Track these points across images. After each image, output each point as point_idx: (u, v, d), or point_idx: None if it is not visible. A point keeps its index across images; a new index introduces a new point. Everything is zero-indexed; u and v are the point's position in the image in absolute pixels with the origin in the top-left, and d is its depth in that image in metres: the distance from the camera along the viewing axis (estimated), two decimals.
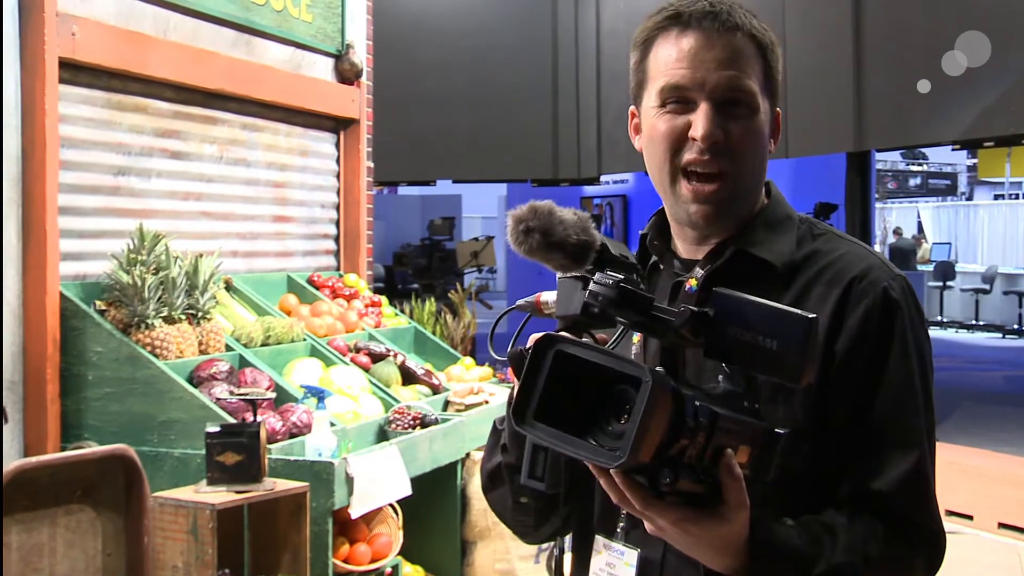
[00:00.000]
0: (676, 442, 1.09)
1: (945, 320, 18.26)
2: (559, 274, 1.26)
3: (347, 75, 5.10)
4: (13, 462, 2.74)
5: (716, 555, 1.21)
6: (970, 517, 3.64)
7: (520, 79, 11.12)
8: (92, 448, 3.01)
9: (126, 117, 3.90)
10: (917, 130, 8.31)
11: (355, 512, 3.32)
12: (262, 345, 3.86)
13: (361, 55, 5.21)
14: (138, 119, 3.95)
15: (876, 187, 17.76)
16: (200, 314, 3.66)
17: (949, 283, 18.43)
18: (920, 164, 32.44)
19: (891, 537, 1.31)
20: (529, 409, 1.13)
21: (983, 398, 10.70)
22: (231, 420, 3.24)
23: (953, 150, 9.49)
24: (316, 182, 5.05)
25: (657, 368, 1.08)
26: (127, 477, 2.87)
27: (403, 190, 21.00)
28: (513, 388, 1.24)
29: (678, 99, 1.38)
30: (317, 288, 4.67)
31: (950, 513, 3.57)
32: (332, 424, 3.46)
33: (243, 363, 3.67)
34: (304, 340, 4.07)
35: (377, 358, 4.22)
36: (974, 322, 17.86)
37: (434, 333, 5.16)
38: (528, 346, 1.16)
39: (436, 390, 4.24)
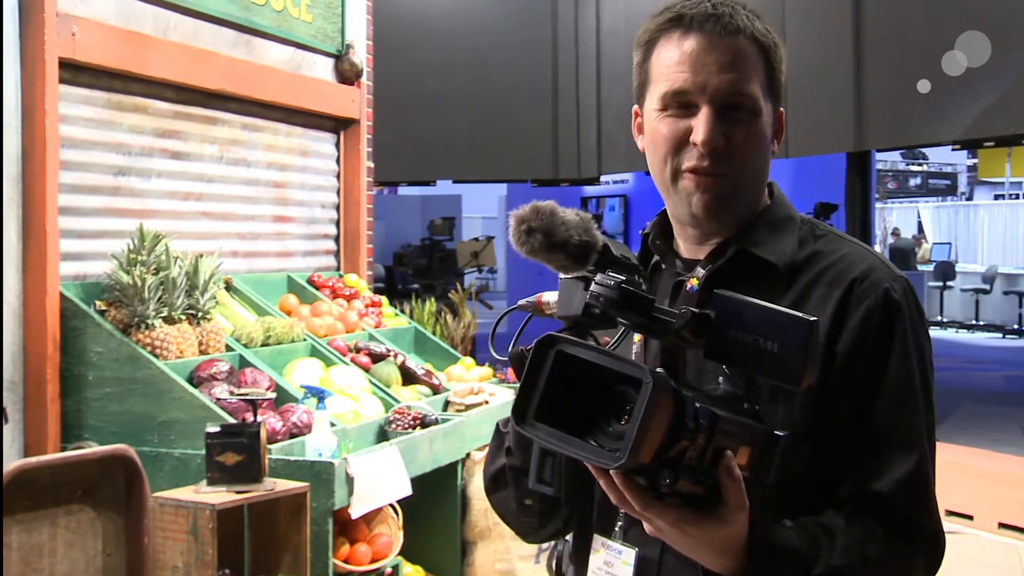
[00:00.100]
0: (676, 443, 1.09)
1: (945, 320, 18.25)
2: (561, 275, 1.26)
3: (347, 75, 5.10)
4: (13, 462, 2.74)
5: (715, 556, 1.21)
6: (970, 517, 3.64)
7: (520, 79, 11.12)
8: (92, 448, 3.00)
9: (126, 117, 3.90)
10: (917, 130, 8.31)
11: (355, 512, 3.32)
12: (262, 345, 3.86)
13: (361, 55, 5.21)
14: (138, 119, 3.95)
15: (876, 187, 17.76)
16: (200, 314, 3.66)
17: (949, 283, 18.43)
18: (920, 164, 32.45)
19: (891, 538, 1.31)
20: (530, 409, 1.13)
21: (983, 398, 10.70)
22: (231, 420, 3.24)
23: (953, 150, 9.49)
24: (316, 182, 5.05)
25: (657, 369, 1.08)
26: (127, 477, 2.87)
27: (403, 190, 21.00)
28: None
29: (679, 103, 1.37)
30: (317, 288, 4.67)
31: (950, 513, 3.57)
32: (332, 424, 3.46)
33: (243, 363, 3.67)
34: (304, 340, 4.07)
35: (377, 358, 4.22)
36: (974, 322, 17.86)
37: (434, 333, 5.16)
38: (530, 346, 1.16)
39: (436, 390, 4.24)
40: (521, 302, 1.45)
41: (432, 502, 3.99)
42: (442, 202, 20.59)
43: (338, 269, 5.14)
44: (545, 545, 4.03)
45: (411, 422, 3.74)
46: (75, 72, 3.63)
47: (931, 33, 7.75)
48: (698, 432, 1.11)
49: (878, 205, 23.97)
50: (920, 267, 20.08)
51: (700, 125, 1.35)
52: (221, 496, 2.99)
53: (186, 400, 3.32)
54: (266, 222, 4.70)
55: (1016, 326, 17.18)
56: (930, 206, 27.48)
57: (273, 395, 3.42)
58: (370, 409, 3.81)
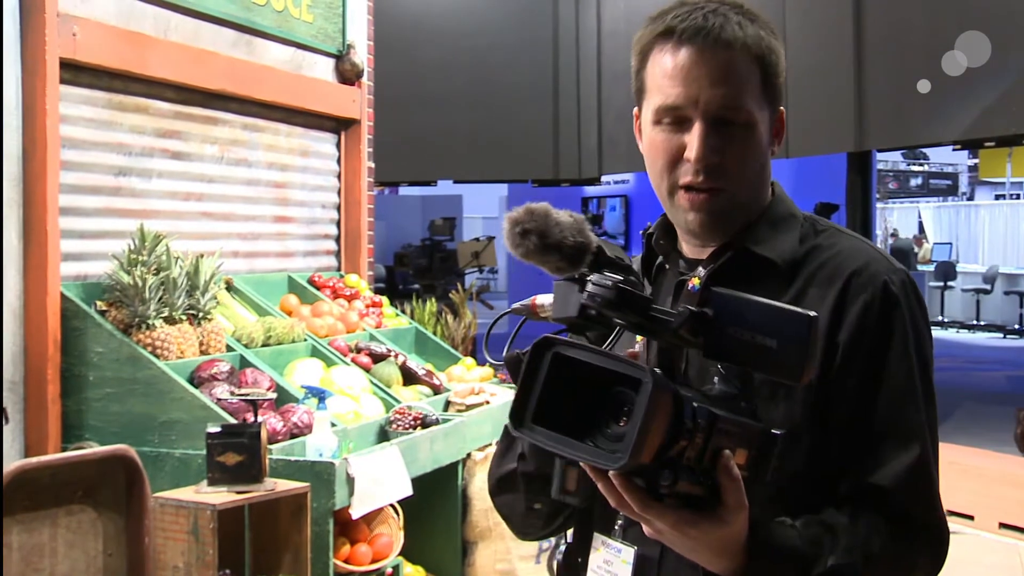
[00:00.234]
0: (675, 444, 1.09)
1: (946, 320, 18.26)
2: (555, 277, 1.26)
3: (348, 75, 5.10)
4: (14, 462, 2.74)
5: (715, 557, 1.20)
6: (971, 517, 3.64)
7: (521, 79, 11.12)
8: (93, 448, 3.01)
9: (127, 117, 3.90)
10: (917, 130, 8.32)
11: (356, 512, 3.32)
12: (263, 345, 3.86)
13: (362, 55, 5.21)
14: (139, 119, 3.95)
15: (877, 187, 17.76)
16: (201, 314, 3.66)
17: (950, 283, 18.44)
18: (921, 164, 32.45)
19: (894, 534, 1.30)
20: (527, 412, 1.13)
21: (984, 398, 10.70)
22: (232, 420, 3.24)
23: (954, 150, 9.50)
24: (317, 182, 5.05)
25: (655, 369, 1.08)
26: (128, 477, 2.87)
27: (404, 190, 21.00)
28: None
29: (673, 118, 1.37)
30: (318, 288, 4.67)
31: (951, 513, 3.57)
32: (333, 424, 3.46)
33: (244, 363, 3.67)
34: (305, 340, 4.07)
35: (378, 358, 4.22)
36: (975, 322, 17.86)
37: (435, 333, 5.16)
38: (525, 349, 1.16)
39: (437, 390, 4.24)
40: (515, 305, 1.44)
41: (433, 502, 3.99)
42: (443, 202, 20.60)
43: (339, 269, 5.14)
44: (545, 545, 4.03)
45: (412, 422, 3.74)
46: (76, 72, 3.63)
47: (931, 33, 7.75)
48: (696, 432, 1.10)
49: (879, 205, 23.97)
50: (921, 267, 20.11)
51: (693, 142, 1.35)
52: (222, 496, 2.99)
53: (187, 400, 3.33)
54: (267, 222, 4.70)
55: (1017, 326, 17.18)
56: (931, 206, 27.48)
57: (274, 395, 3.42)
58: (371, 409, 3.81)
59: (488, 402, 4.16)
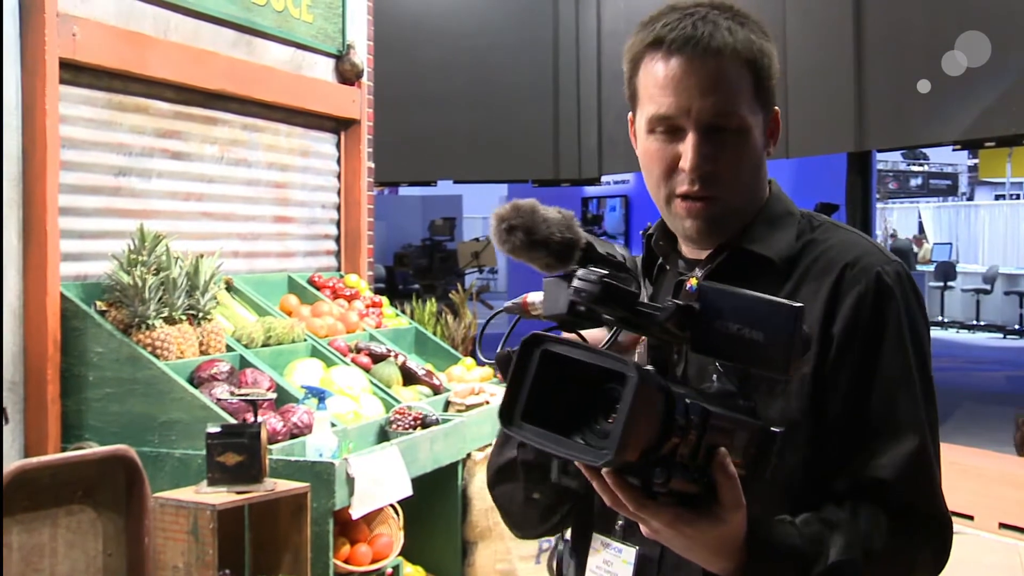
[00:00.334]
0: (666, 440, 1.08)
1: (946, 320, 18.26)
2: (545, 274, 1.25)
3: (348, 75, 5.10)
4: (14, 462, 2.74)
5: (712, 556, 1.20)
6: (971, 517, 3.64)
7: (521, 79, 11.13)
8: (93, 448, 3.01)
9: (127, 117, 3.90)
10: (917, 130, 8.32)
11: (356, 512, 3.32)
12: (263, 346, 3.86)
13: (362, 55, 5.21)
14: (139, 119, 3.95)
15: (877, 187, 17.76)
16: (201, 315, 3.66)
17: (950, 283, 18.45)
18: (921, 164, 32.46)
19: (895, 529, 1.30)
20: (516, 410, 1.12)
21: (984, 398, 10.70)
22: (232, 421, 3.24)
23: (954, 150, 9.50)
24: (317, 182, 5.05)
25: (647, 366, 1.07)
26: (128, 478, 2.87)
27: (404, 190, 21.00)
28: None
29: (666, 127, 1.37)
30: (318, 288, 4.67)
31: (951, 513, 3.56)
32: (333, 424, 3.46)
33: (244, 363, 3.67)
34: (305, 341, 4.07)
35: (378, 358, 4.22)
36: (975, 322, 17.86)
37: (435, 334, 5.16)
38: (515, 348, 1.15)
39: (437, 390, 4.24)
40: (507, 304, 1.43)
41: (433, 502, 3.99)
42: (443, 202, 20.60)
43: (339, 269, 5.14)
44: (545, 545, 4.03)
45: (412, 422, 3.74)
46: (75, 72, 3.63)
47: (931, 33, 7.75)
48: (689, 428, 1.09)
49: (879, 205, 23.97)
50: (921, 267, 20.11)
51: (687, 152, 1.35)
52: (222, 496, 2.99)
53: (187, 400, 3.33)
54: (267, 222, 4.70)
55: (1017, 326, 17.18)
56: (931, 206, 27.48)
57: (274, 395, 3.42)
58: (371, 409, 3.81)
59: (488, 402, 4.16)
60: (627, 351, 1.36)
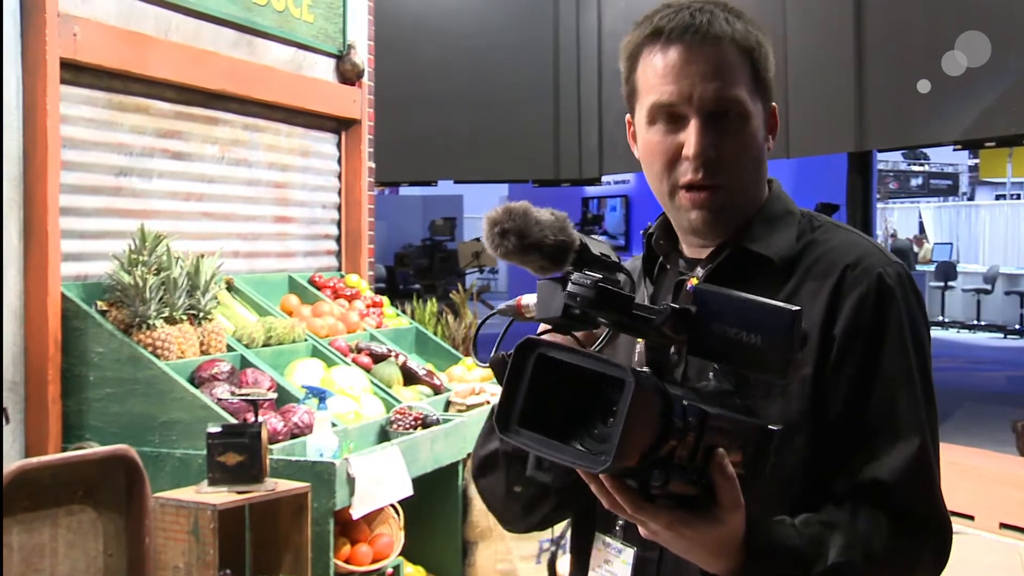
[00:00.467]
0: (664, 443, 1.07)
1: (947, 320, 18.26)
2: (539, 277, 1.24)
3: (348, 75, 5.10)
4: (14, 462, 2.74)
5: (711, 558, 1.19)
6: (971, 517, 3.64)
7: (521, 79, 11.13)
8: (93, 448, 3.01)
9: (127, 118, 3.90)
10: (918, 130, 8.32)
11: (356, 512, 3.32)
12: (263, 345, 3.86)
13: (362, 55, 5.21)
14: (139, 120, 3.95)
15: (877, 187, 17.76)
16: (201, 314, 3.66)
17: (951, 283, 18.45)
18: (921, 164, 32.45)
19: (895, 530, 1.29)
20: (513, 415, 1.11)
21: (984, 398, 10.70)
22: (232, 420, 3.24)
23: (954, 150, 9.50)
24: (317, 182, 5.05)
25: (643, 369, 1.06)
26: (128, 478, 2.87)
27: (404, 190, 21.00)
28: None
29: (668, 116, 1.37)
30: (318, 288, 4.67)
31: (951, 513, 3.56)
32: (333, 424, 3.46)
33: (244, 363, 3.67)
34: (305, 340, 4.08)
35: (378, 358, 4.22)
36: (976, 322, 17.86)
37: (435, 334, 5.16)
38: (509, 351, 1.14)
39: (437, 390, 4.24)
40: (500, 306, 1.42)
41: (433, 502, 3.99)
42: (443, 202, 20.60)
43: (339, 269, 5.14)
44: (546, 545, 4.03)
45: (412, 422, 3.74)
46: (76, 72, 3.63)
47: (931, 33, 7.75)
48: (687, 430, 1.08)
49: (879, 205, 23.96)
50: (921, 267, 20.11)
51: (690, 138, 1.35)
52: (222, 496, 2.99)
53: (187, 400, 3.33)
54: (267, 222, 4.70)
55: (1017, 326, 17.18)
56: (931, 206, 27.47)
57: (274, 395, 3.42)
58: (371, 409, 3.81)
59: (488, 402, 4.16)
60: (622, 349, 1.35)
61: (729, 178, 1.38)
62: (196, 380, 3.46)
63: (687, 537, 1.16)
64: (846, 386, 1.33)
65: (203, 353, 3.61)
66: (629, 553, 1.39)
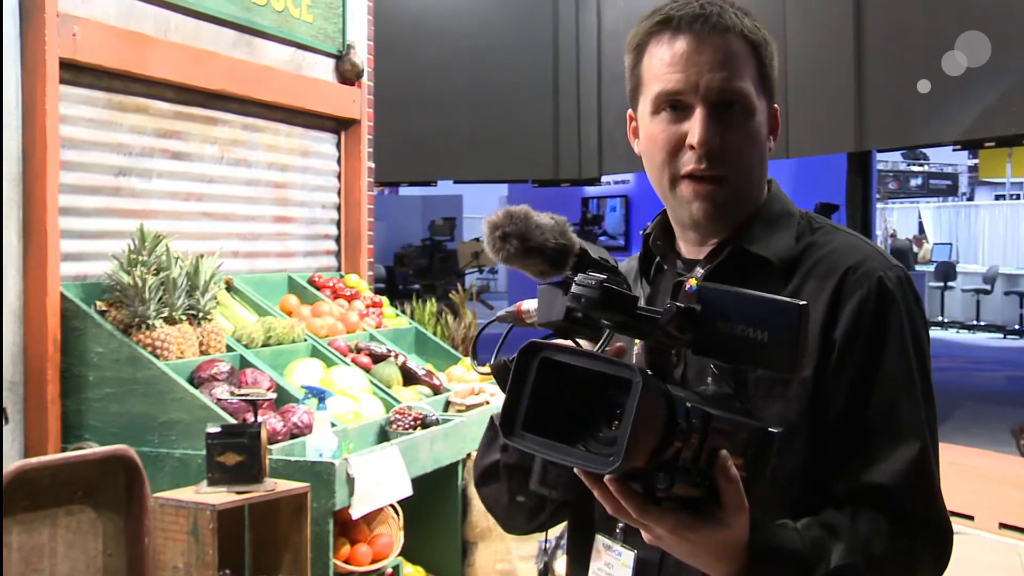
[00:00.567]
0: (670, 445, 1.07)
1: (946, 320, 18.26)
2: (539, 282, 1.23)
3: (348, 75, 5.10)
4: (14, 462, 2.74)
5: (715, 561, 1.19)
6: (971, 517, 3.64)
7: (521, 79, 11.13)
8: (93, 449, 3.00)
9: (127, 118, 3.90)
10: (917, 130, 8.31)
11: (356, 513, 3.32)
12: (263, 346, 3.86)
13: (362, 55, 5.21)
14: (139, 120, 3.95)
15: (877, 187, 17.76)
16: (201, 315, 3.66)
17: (950, 283, 18.45)
18: (921, 164, 32.46)
19: (895, 533, 1.29)
20: (517, 420, 1.11)
21: (984, 398, 10.70)
22: (232, 421, 3.24)
23: (954, 150, 9.50)
24: (317, 182, 5.05)
25: (646, 370, 1.06)
26: (128, 478, 2.87)
27: (404, 190, 21.00)
28: None
29: (673, 104, 1.37)
30: (318, 288, 4.67)
31: (951, 513, 3.56)
32: (333, 425, 3.46)
33: (244, 363, 3.67)
34: (305, 341, 4.07)
35: (378, 359, 4.22)
36: (975, 322, 17.87)
37: (435, 334, 5.16)
38: (512, 356, 1.14)
39: (437, 391, 4.24)
40: (500, 313, 1.42)
41: (433, 502, 3.99)
42: (443, 202, 20.60)
43: (339, 269, 5.14)
44: (545, 546, 4.03)
45: (412, 422, 3.74)
46: (76, 72, 3.63)
47: (931, 33, 7.75)
48: (691, 432, 1.08)
49: (879, 205, 23.97)
50: (921, 267, 20.11)
51: (695, 127, 1.35)
52: (222, 496, 2.99)
53: (187, 400, 3.33)
54: (267, 222, 4.70)
55: (1017, 326, 17.18)
56: (931, 206, 27.48)
57: (274, 395, 3.42)
58: (371, 409, 3.81)
59: (488, 402, 4.16)
60: (618, 356, 1.35)
61: (732, 170, 1.37)
62: (195, 380, 3.46)
63: (691, 541, 1.15)
64: (846, 388, 1.33)
65: (202, 353, 3.61)
66: (630, 556, 1.39)
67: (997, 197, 27.86)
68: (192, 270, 3.65)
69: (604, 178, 12.36)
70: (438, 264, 15.64)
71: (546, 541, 1.57)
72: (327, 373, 3.89)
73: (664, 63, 1.37)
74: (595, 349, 1.24)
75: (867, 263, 1.37)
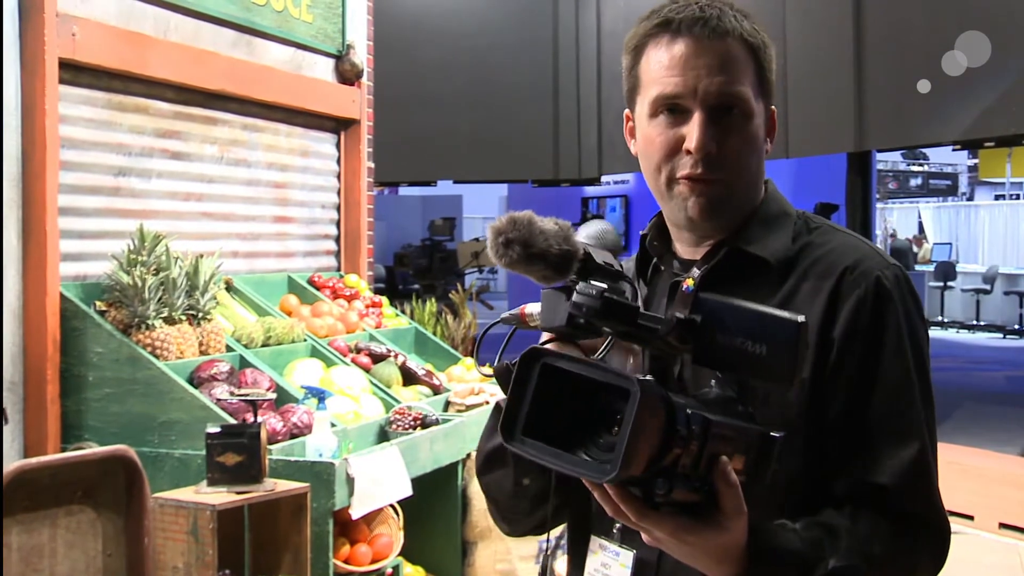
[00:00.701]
0: (669, 452, 1.07)
1: (946, 320, 18.26)
2: (543, 286, 1.23)
3: (347, 75, 5.10)
4: (13, 463, 2.74)
5: (714, 564, 1.19)
6: (971, 517, 3.64)
7: (520, 79, 11.12)
8: (92, 449, 3.00)
9: (126, 118, 3.90)
10: (917, 130, 8.31)
11: (356, 513, 3.32)
12: (263, 346, 3.86)
13: (361, 55, 5.21)
14: (138, 120, 3.95)
15: (877, 187, 17.76)
16: (200, 315, 3.66)
17: (950, 283, 18.45)
18: (921, 164, 32.46)
19: (895, 533, 1.29)
20: (518, 425, 1.11)
21: (984, 398, 10.70)
22: (232, 421, 3.24)
23: (954, 150, 9.50)
24: (317, 182, 5.05)
25: (647, 376, 1.06)
26: (127, 478, 2.87)
27: (404, 190, 21.01)
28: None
29: (671, 108, 1.37)
30: (318, 289, 4.67)
31: (951, 513, 3.56)
32: (333, 425, 3.46)
33: (244, 364, 3.67)
34: (305, 341, 4.07)
35: (378, 359, 4.22)
36: (975, 322, 17.87)
37: (435, 334, 5.16)
38: (514, 360, 1.14)
39: (437, 391, 4.24)
40: (504, 315, 1.42)
41: (433, 502, 3.99)
42: (443, 202, 20.61)
43: (339, 269, 5.14)
44: (545, 546, 4.03)
45: (412, 422, 3.74)
46: (75, 72, 3.63)
47: (931, 33, 7.75)
48: (691, 439, 1.08)
49: (879, 205, 23.97)
50: (921, 267, 20.11)
51: (693, 131, 1.34)
52: (221, 496, 2.99)
53: (186, 400, 3.32)
54: (266, 222, 4.70)
55: (1017, 326, 17.18)
56: (931, 206, 27.48)
57: (273, 395, 3.42)
58: (371, 409, 3.81)
59: (488, 402, 4.16)
60: (623, 355, 1.35)
61: (729, 174, 1.37)
62: (195, 380, 3.45)
63: (690, 544, 1.16)
64: (845, 389, 1.33)
65: (202, 353, 3.61)
66: (628, 556, 1.39)
67: (997, 197, 27.87)
68: (192, 270, 3.65)
69: (604, 178, 12.35)
70: (438, 264, 15.64)
71: (547, 541, 1.57)
72: (327, 373, 3.88)
73: (663, 66, 1.37)
74: (595, 357, 1.24)
75: (865, 263, 1.37)
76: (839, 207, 10.49)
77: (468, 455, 4.01)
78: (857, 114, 8.50)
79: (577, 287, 1.16)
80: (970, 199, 29.72)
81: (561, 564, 1.55)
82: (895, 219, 27.23)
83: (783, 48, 8.49)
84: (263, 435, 3.08)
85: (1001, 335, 17.18)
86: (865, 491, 1.31)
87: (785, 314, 1.14)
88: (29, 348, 3.41)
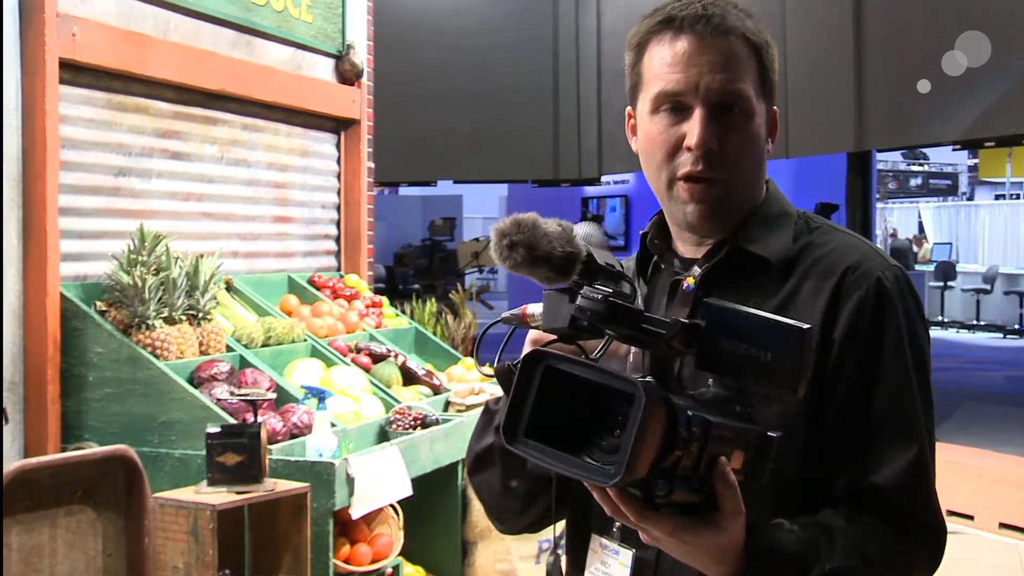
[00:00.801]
0: (670, 454, 1.08)
1: (946, 320, 18.27)
2: (545, 287, 1.23)
3: (347, 75, 5.10)
4: (14, 463, 2.74)
5: (712, 563, 1.20)
6: (971, 517, 3.64)
7: (520, 79, 11.12)
8: (93, 449, 3.00)
9: (127, 118, 3.90)
10: (917, 130, 8.31)
11: (356, 513, 3.32)
12: (263, 346, 3.86)
13: (361, 55, 5.21)
14: (139, 120, 3.95)
15: (877, 187, 17.76)
16: (201, 315, 3.66)
17: (950, 283, 18.45)
18: (921, 164, 32.47)
19: (891, 534, 1.30)
20: (520, 426, 1.12)
21: (984, 398, 10.70)
22: (232, 421, 3.24)
23: (954, 150, 9.50)
24: (317, 182, 5.05)
25: (648, 378, 1.07)
26: (128, 478, 2.87)
27: (404, 190, 21.01)
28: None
29: (673, 105, 1.37)
30: (318, 289, 4.67)
31: (951, 513, 3.56)
32: (333, 425, 3.46)
33: (244, 364, 3.67)
34: (305, 341, 4.07)
35: (378, 359, 4.22)
36: (975, 322, 17.87)
37: (435, 334, 5.16)
38: (516, 361, 1.15)
39: (437, 391, 4.24)
40: (505, 315, 1.42)
41: (433, 502, 3.99)
42: (443, 202, 20.61)
43: (339, 269, 5.14)
44: (545, 545, 4.03)
45: (412, 422, 3.74)
46: (75, 72, 3.63)
47: (931, 33, 7.75)
48: (691, 441, 1.09)
49: (879, 205, 23.97)
50: (921, 267, 20.11)
51: (694, 128, 1.35)
52: (221, 496, 2.99)
53: (186, 400, 3.33)
54: (266, 222, 4.70)
55: (1017, 326, 17.19)
56: (931, 206, 27.48)
57: (273, 395, 3.42)
58: (371, 409, 3.81)
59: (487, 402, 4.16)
60: (620, 357, 1.35)
61: (729, 173, 1.37)
62: (195, 380, 3.46)
63: (689, 543, 1.16)
64: (845, 389, 1.33)
65: (202, 353, 3.61)
66: (627, 555, 1.39)
67: (997, 197, 27.87)
68: (192, 270, 3.65)
69: (604, 178, 12.35)
70: (438, 264, 15.64)
71: (549, 540, 1.57)
72: (327, 373, 3.89)
73: (665, 63, 1.37)
74: (594, 355, 1.24)
75: (866, 263, 1.37)
76: (839, 207, 10.50)
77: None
78: (857, 114, 8.50)
79: (582, 291, 1.16)
80: (970, 199, 29.73)
81: (556, 569, 1.55)
82: (895, 219, 27.23)
83: (783, 48, 8.48)
84: (263, 435, 3.08)
85: (1001, 335, 17.18)
86: (863, 492, 1.31)
87: (791, 321, 1.14)
88: (29, 348, 3.41)
